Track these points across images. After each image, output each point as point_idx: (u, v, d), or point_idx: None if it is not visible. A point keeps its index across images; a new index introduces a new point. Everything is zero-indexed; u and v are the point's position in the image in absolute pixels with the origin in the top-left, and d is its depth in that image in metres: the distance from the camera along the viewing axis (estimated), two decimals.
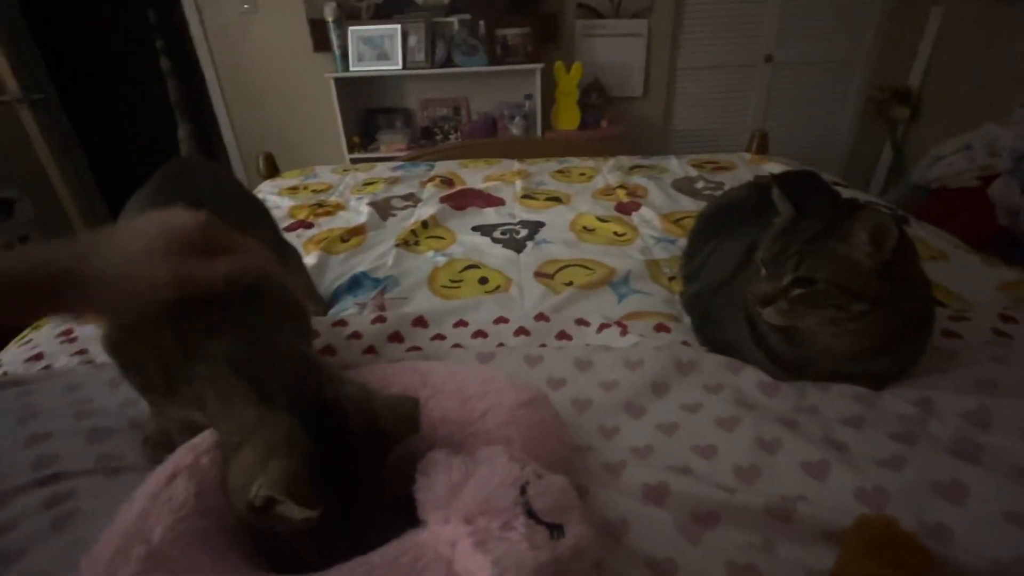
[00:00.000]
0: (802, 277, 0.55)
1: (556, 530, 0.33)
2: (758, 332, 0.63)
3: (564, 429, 0.51)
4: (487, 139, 2.53)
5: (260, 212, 0.79)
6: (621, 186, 1.35)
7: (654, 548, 0.42)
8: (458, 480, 0.35)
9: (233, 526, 0.36)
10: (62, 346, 0.75)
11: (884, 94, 2.66)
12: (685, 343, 0.72)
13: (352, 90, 2.65)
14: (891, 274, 0.53)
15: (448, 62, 2.52)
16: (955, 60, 2.46)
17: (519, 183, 1.40)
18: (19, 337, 0.82)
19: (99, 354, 0.72)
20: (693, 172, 1.46)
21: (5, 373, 0.71)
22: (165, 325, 0.41)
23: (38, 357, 0.73)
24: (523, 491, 0.34)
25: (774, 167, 1.45)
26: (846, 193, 1.08)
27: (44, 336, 0.78)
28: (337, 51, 2.49)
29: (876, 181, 2.92)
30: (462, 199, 1.31)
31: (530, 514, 0.33)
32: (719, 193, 1.25)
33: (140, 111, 3.15)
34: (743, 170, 1.47)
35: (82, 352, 0.73)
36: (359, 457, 0.37)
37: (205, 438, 0.40)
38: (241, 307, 0.43)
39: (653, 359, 0.65)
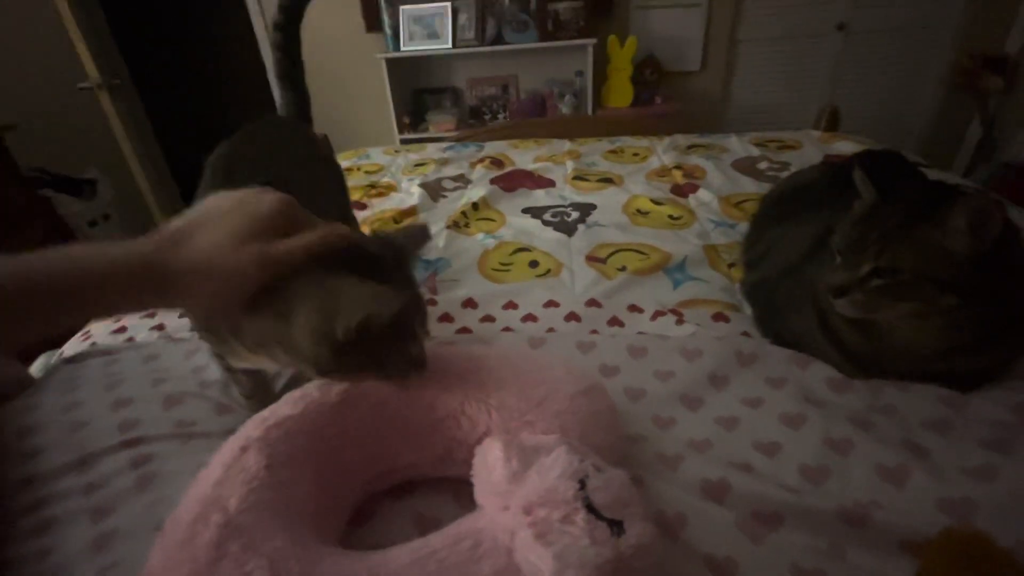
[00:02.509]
0: (883, 267, 0.51)
1: (616, 526, 0.32)
2: (829, 325, 0.60)
3: (618, 419, 0.50)
4: (536, 118, 2.49)
5: (333, 178, 0.80)
6: (677, 167, 1.30)
7: (713, 546, 0.41)
8: (517, 468, 0.35)
9: (301, 498, 0.38)
10: (143, 320, 0.81)
11: (975, 63, 2.41)
12: (746, 334, 0.69)
13: (402, 70, 2.67)
14: (989, 266, 0.48)
15: (498, 39, 2.49)
16: None
17: (570, 164, 1.37)
18: None
19: (176, 329, 0.77)
20: (755, 151, 1.38)
21: (94, 344, 0.77)
22: None
23: (122, 330, 0.79)
24: (583, 485, 0.34)
25: (846, 146, 1.35)
26: (931, 175, 0.99)
27: None
28: (388, 31, 2.50)
29: (960, 160, 2.68)
30: (512, 180, 1.30)
31: (590, 509, 0.32)
32: (784, 174, 1.18)
33: (208, 97, 3.30)
34: (811, 149, 1.38)
35: (160, 327, 0.78)
36: (388, 267, 0.42)
37: (273, 412, 0.42)
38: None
39: (712, 350, 0.63)
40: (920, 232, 0.49)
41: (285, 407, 0.42)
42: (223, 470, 0.37)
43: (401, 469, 0.44)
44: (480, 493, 0.37)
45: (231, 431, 0.54)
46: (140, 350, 0.72)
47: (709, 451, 0.50)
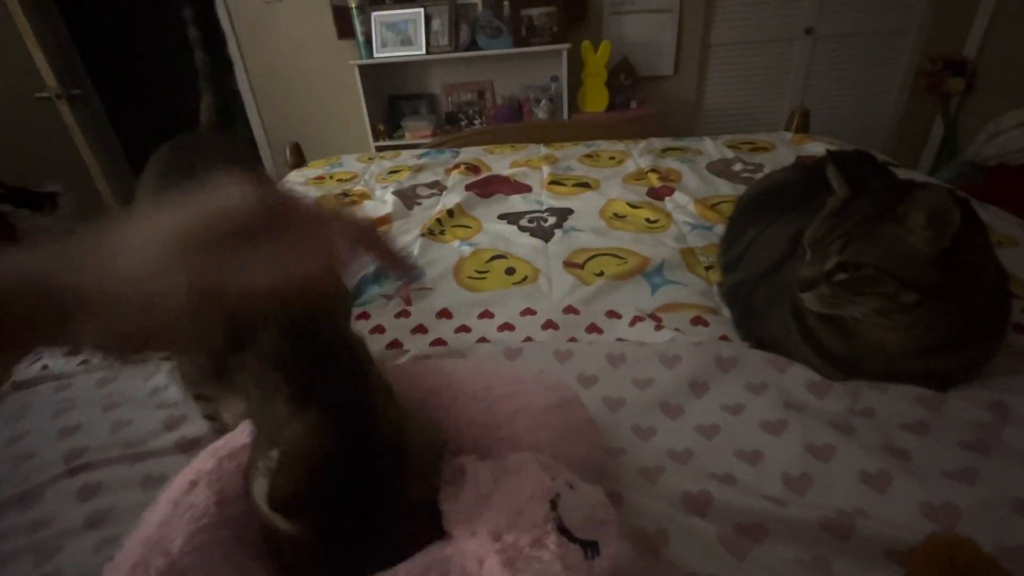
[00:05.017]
0: (847, 261, 0.50)
1: (590, 548, 0.30)
2: (806, 326, 0.59)
3: (596, 432, 0.49)
4: (512, 123, 2.48)
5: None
6: (653, 170, 1.29)
7: (696, 562, 0.39)
8: (485, 491, 0.33)
9: (254, 534, 0.35)
10: None
11: (936, 65, 2.48)
12: (724, 337, 0.68)
13: (376, 77, 2.64)
14: (953, 262, 0.48)
15: (472, 45, 2.47)
16: (1017, 27, 2.27)
17: (546, 169, 1.36)
18: None
19: None
20: (730, 154, 1.39)
21: (45, 367, 0.72)
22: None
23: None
24: (554, 505, 0.32)
25: (817, 147, 1.37)
26: (900, 174, 1.00)
27: None
28: (361, 37, 2.47)
29: (925, 159, 2.75)
30: (488, 186, 1.28)
31: (562, 530, 0.31)
32: (759, 176, 1.18)
33: (174, 105, 3.22)
34: (783, 150, 1.39)
35: None
36: (383, 470, 0.34)
37: (227, 442, 0.39)
38: None
39: (691, 355, 0.61)
40: (883, 227, 0.49)
41: (241, 435, 0.39)
42: (170, 507, 0.34)
43: None
44: (449, 519, 0.35)
45: (182, 443, 0.52)
46: (94, 374, 0.68)
47: (690, 461, 0.48)
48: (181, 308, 0.23)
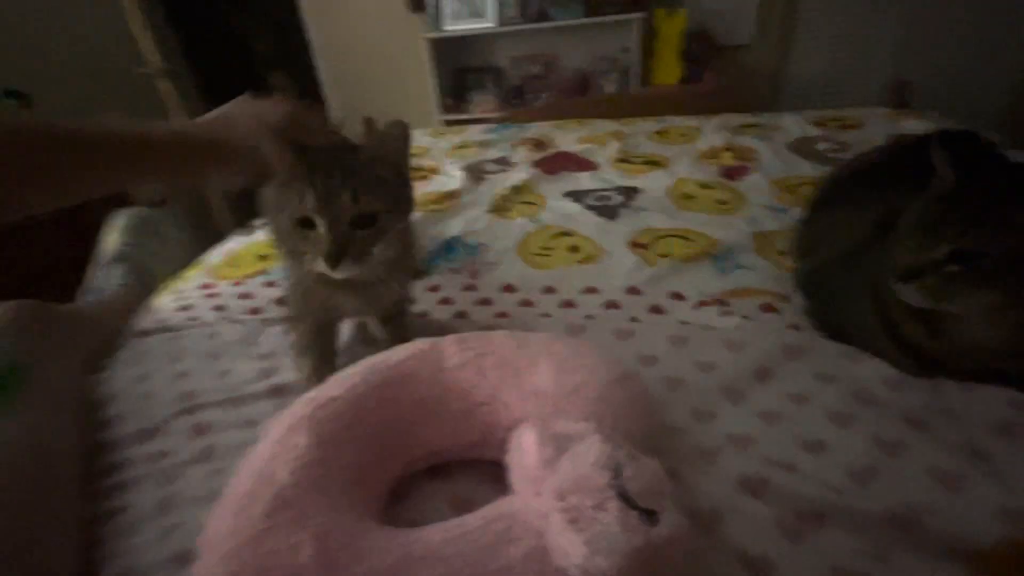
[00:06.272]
0: (965, 250, 0.46)
1: (650, 516, 0.32)
2: (890, 318, 0.56)
3: (654, 409, 0.50)
4: (580, 98, 2.44)
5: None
6: (727, 148, 1.24)
7: (749, 543, 0.40)
8: (551, 455, 0.36)
9: (343, 475, 0.39)
10: (205, 300, 0.86)
11: None
12: (795, 327, 0.66)
13: (443, 49, 2.66)
14: None
15: (542, 15, 2.43)
16: None
17: (614, 145, 1.34)
18: (169, 287, 0.94)
19: (235, 311, 0.82)
20: (813, 131, 1.30)
21: (161, 320, 0.82)
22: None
23: (186, 308, 0.84)
24: (616, 473, 0.34)
25: (916, 124, 1.25)
26: (1012, 157, 0.90)
27: (190, 288, 0.90)
28: (431, 10, 2.49)
29: None
30: (554, 163, 1.28)
31: (623, 497, 0.33)
32: (845, 156, 1.11)
33: (266, 83, 3.41)
34: (875, 128, 1.28)
35: (220, 308, 0.83)
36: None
37: (320, 392, 0.44)
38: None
39: (757, 341, 0.60)
40: (1011, 213, 0.44)
41: (331, 389, 0.44)
42: (274, 446, 0.39)
43: (438, 452, 0.46)
44: (514, 478, 0.38)
45: (273, 390, 0.58)
46: (200, 329, 0.77)
47: (749, 447, 0.48)
48: (280, 163, 0.50)
